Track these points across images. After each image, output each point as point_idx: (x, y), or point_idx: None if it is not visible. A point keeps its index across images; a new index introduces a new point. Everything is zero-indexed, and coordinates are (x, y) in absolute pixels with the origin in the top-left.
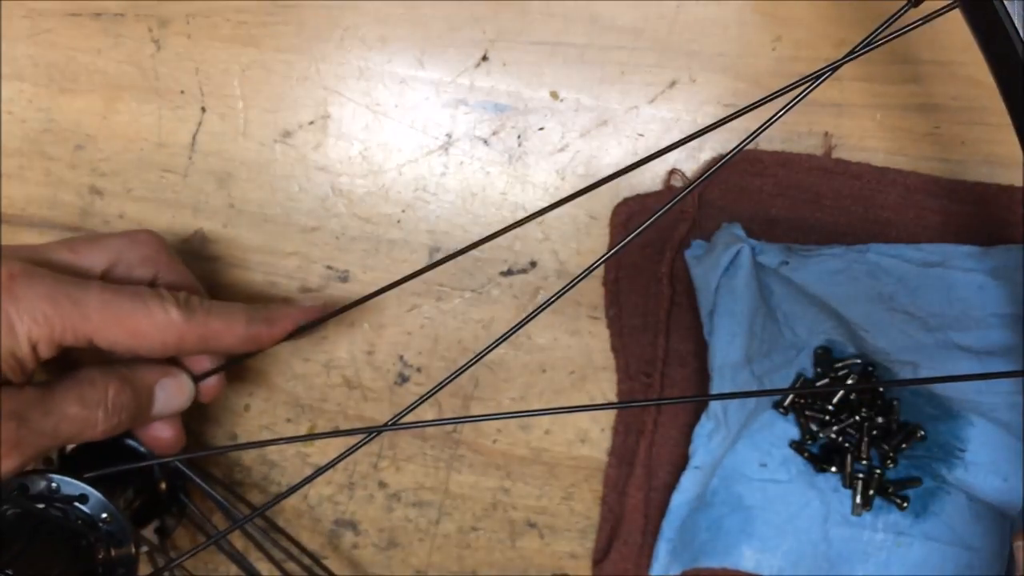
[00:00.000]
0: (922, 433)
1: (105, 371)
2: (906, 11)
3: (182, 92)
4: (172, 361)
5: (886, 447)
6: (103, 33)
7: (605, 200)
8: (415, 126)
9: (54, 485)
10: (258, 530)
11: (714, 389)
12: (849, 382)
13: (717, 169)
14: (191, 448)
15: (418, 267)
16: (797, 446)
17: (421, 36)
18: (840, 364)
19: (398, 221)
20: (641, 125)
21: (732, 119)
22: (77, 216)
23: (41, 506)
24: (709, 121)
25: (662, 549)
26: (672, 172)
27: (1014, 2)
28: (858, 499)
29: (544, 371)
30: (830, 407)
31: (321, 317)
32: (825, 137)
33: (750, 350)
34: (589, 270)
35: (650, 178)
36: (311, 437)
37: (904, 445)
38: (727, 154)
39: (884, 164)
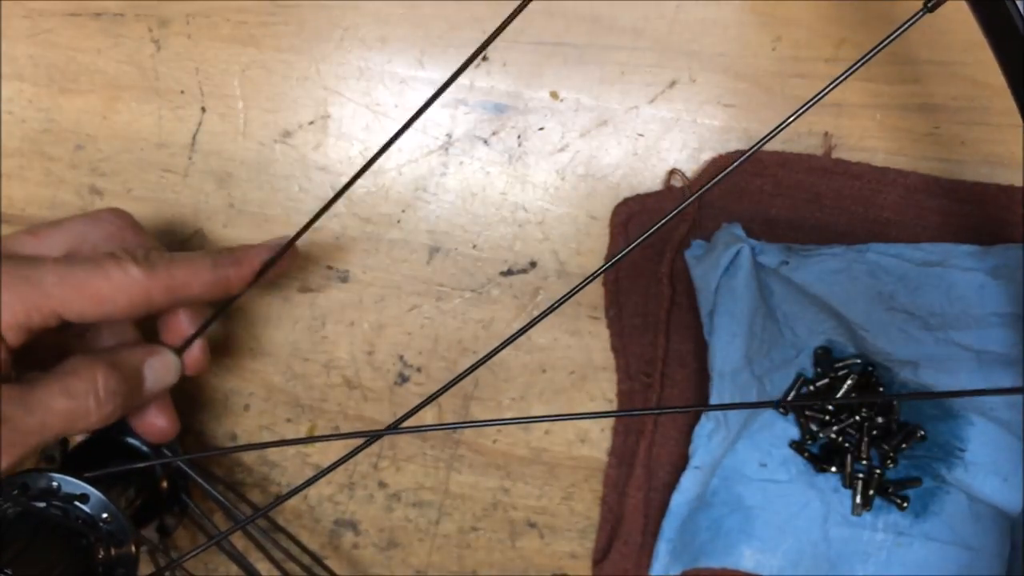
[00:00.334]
0: (922, 433)
1: (91, 359)
2: (922, 16)
3: (182, 92)
4: (154, 340)
5: (886, 447)
6: (103, 33)
7: (605, 200)
8: (415, 126)
9: (55, 484)
10: (259, 530)
11: (714, 389)
12: (849, 382)
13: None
14: (192, 447)
15: (418, 267)
16: (797, 446)
17: (421, 36)
18: (840, 364)
19: (398, 221)
20: (641, 125)
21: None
22: None
23: (42, 505)
24: (709, 121)
25: (662, 549)
26: (672, 172)
27: None
28: (858, 499)
29: (544, 371)
30: (830, 407)
31: (285, 246)
32: (825, 137)
33: (750, 350)
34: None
35: (650, 178)
36: (314, 440)
37: (904, 445)
38: (735, 160)
39: (884, 164)
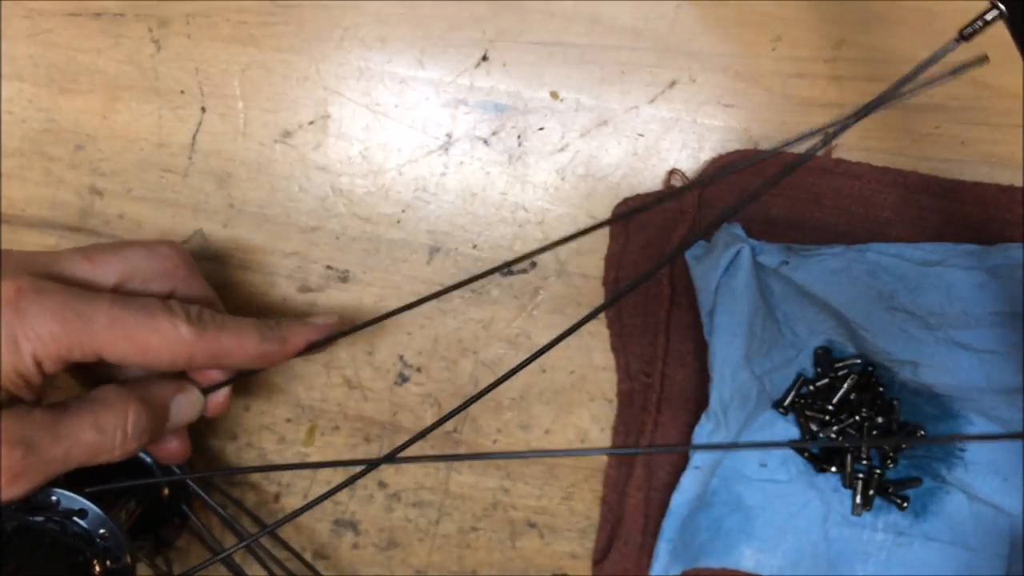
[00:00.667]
0: (922, 433)
1: (123, 392)
2: (956, 47)
3: (182, 92)
4: (181, 374)
5: (886, 447)
6: (103, 33)
7: (605, 200)
8: (415, 126)
9: (54, 498)
10: (259, 544)
11: (714, 389)
12: (849, 382)
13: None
14: (200, 453)
15: (418, 267)
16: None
17: (421, 36)
18: (840, 364)
19: (398, 221)
20: (641, 125)
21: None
22: (77, 216)
23: (39, 519)
24: (709, 121)
25: (662, 549)
26: (672, 172)
27: None
28: (858, 499)
29: (544, 371)
30: (830, 407)
31: (332, 336)
32: (825, 137)
33: (750, 350)
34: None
35: (650, 178)
36: (317, 466)
37: (904, 445)
38: (735, 160)
39: (884, 164)
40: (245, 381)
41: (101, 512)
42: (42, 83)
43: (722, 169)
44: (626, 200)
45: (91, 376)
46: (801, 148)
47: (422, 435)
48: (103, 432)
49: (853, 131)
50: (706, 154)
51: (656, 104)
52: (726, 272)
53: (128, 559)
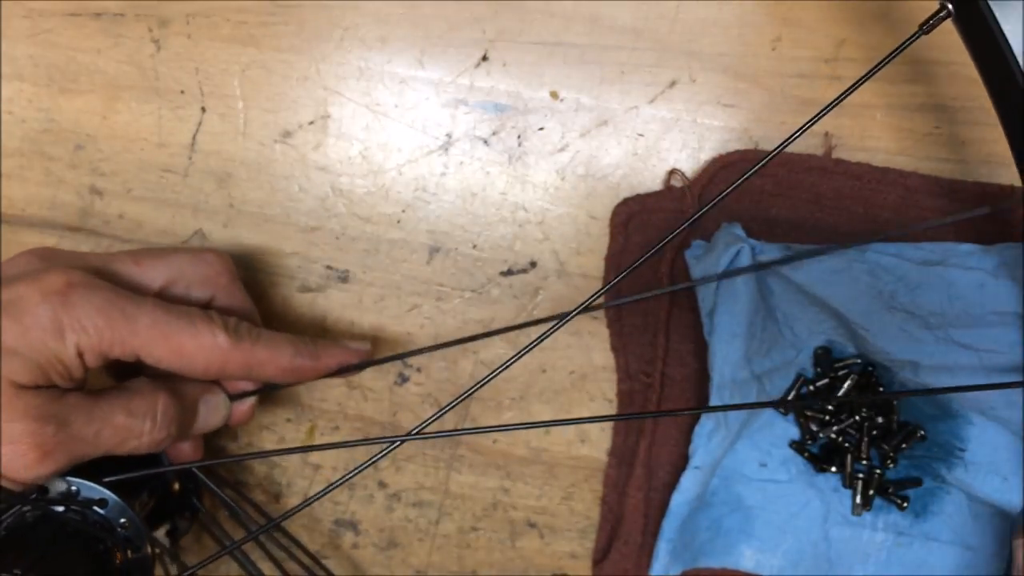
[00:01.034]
0: (922, 433)
1: (155, 383)
2: (920, 35)
3: (182, 92)
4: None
5: (886, 447)
6: (103, 33)
7: (605, 200)
8: (415, 126)
9: (73, 488)
10: (266, 536)
11: (714, 389)
12: (849, 382)
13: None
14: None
15: (418, 267)
16: (797, 446)
17: (421, 36)
18: (840, 364)
19: (398, 221)
20: (641, 125)
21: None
22: (77, 216)
23: (60, 509)
24: (709, 121)
25: (663, 549)
26: (672, 172)
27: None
28: (858, 499)
29: (544, 371)
30: (830, 407)
31: (364, 363)
32: (825, 137)
33: (750, 350)
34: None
35: (650, 178)
36: (334, 446)
37: (904, 445)
38: (735, 160)
39: (884, 164)
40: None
41: (121, 501)
42: (42, 83)
43: (717, 166)
44: (626, 200)
45: (127, 371)
46: (801, 148)
47: (441, 413)
48: (133, 416)
49: (853, 131)
50: (706, 154)
51: (656, 104)
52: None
53: (148, 549)
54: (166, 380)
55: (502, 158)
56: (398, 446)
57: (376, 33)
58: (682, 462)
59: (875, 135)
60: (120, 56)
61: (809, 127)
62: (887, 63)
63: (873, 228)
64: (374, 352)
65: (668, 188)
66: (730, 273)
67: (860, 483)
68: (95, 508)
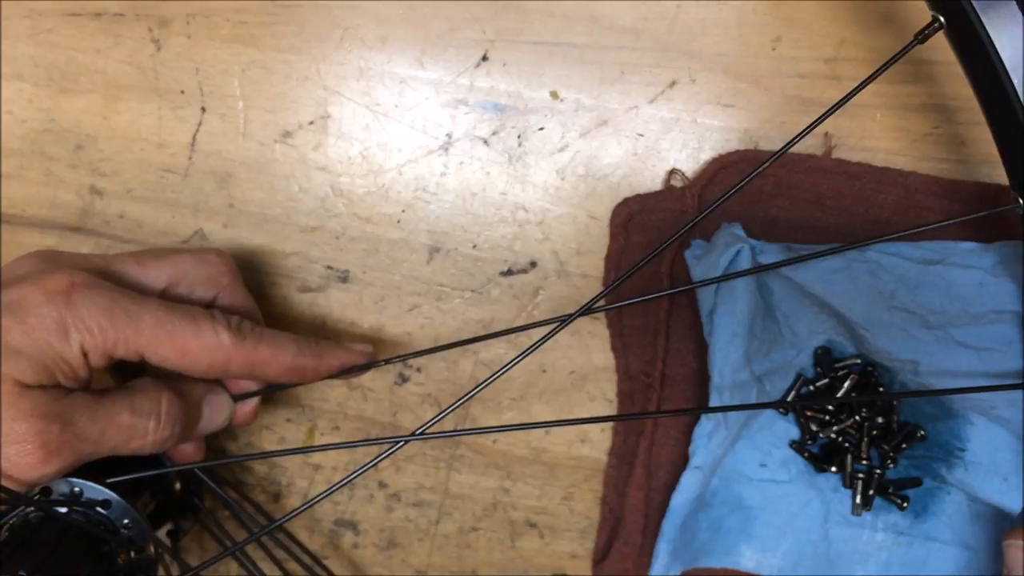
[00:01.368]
0: (922, 433)
1: (158, 383)
2: (914, 46)
3: (182, 92)
4: (215, 381)
5: (886, 447)
6: (103, 33)
7: (605, 200)
8: (415, 126)
9: (77, 489)
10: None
11: (714, 389)
12: (849, 382)
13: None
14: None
15: (418, 267)
16: (797, 446)
17: (421, 36)
18: (840, 364)
19: (398, 221)
20: (641, 125)
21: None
22: (77, 216)
23: (63, 510)
24: (709, 121)
25: (662, 549)
26: (672, 172)
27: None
28: (858, 499)
29: (544, 371)
30: (830, 407)
31: (367, 364)
32: (825, 137)
33: (750, 350)
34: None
35: (650, 178)
36: (336, 446)
37: (904, 445)
38: (735, 160)
39: (884, 164)
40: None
41: (125, 502)
42: (42, 83)
43: (717, 166)
44: (626, 200)
45: (130, 372)
46: (801, 148)
47: (445, 413)
48: (138, 415)
49: (853, 131)
50: (706, 154)
51: (656, 104)
52: (726, 272)
53: (152, 549)
54: (170, 380)
55: (502, 158)
56: (401, 447)
57: (376, 33)
58: (682, 462)
59: (875, 135)
60: (120, 56)
61: (811, 130)
62: (885, 69)
63: (873, 228)
64: (374, 353)
65: (668, 188)
66: (730, 276)
67: (860, 483)
68: (98, 509)
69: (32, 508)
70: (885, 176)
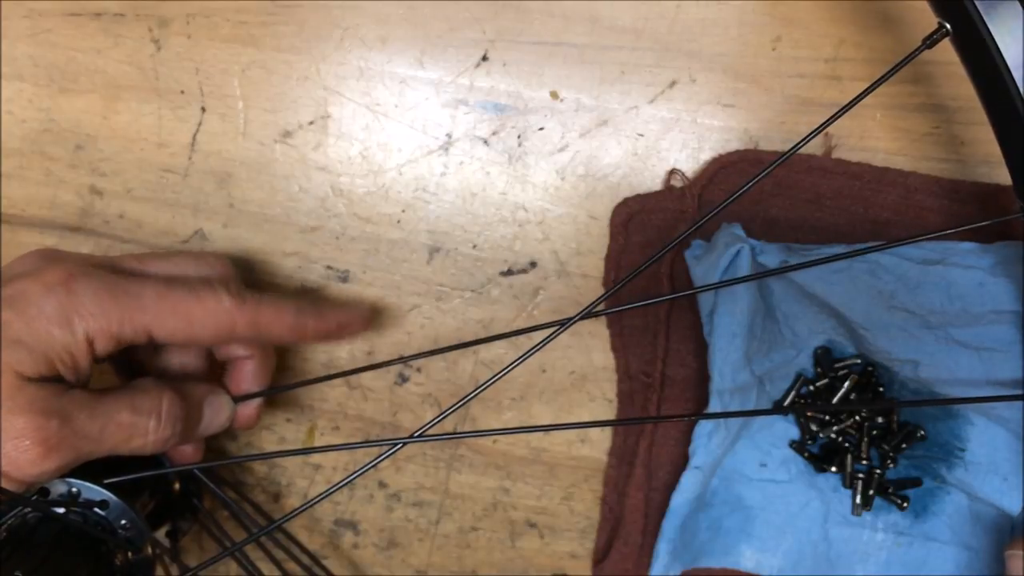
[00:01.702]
0: (922, 433)
1: (159, 382)
2: (922, 51)
3: (182, 92)
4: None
5: (886, 447)
6: (103, 33)
7: (605, 200)
8: (415, 126)
9: (75, 490)
10: (267, 536)
11: (714, 389)
12: (848, 382)
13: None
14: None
15: (418, 267)
16: (797, 446)
17: (421, 36)
18: (840, 364)
19: (398, 221)
20: (641, 125)
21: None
22: (77, 216)
23: (61, 510)
24: (709, 121)
25: (663, 549)
26: (672, 172)
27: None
28: (858, 499)
29: (544, 371)
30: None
31: (368, 366)
32: (825, 137)
33: (750, 350)
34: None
35: (650, 178)
36: (335, 448)
37: (904, 445)
38: (735, 160)
39: (884, 164)
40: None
41: (122, 503)
42: (42, 83)
43: (717, 166)
44: (626, 200)
45: (133, 372)
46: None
47: (444, 415)
48: (138, 413)
49: (853, 131)
50: (706, 154)
51: (656, 104)
52: (726, 272)
53: (149, 550)
54: (172, 381)
55: (502, 158)
56: (400, 448)
57: (376, 33)
58: (682, 462)
59: (875, 135)
60: (120, 56)
61: (820, 131)
62: (894, 73)
63: (873, 228)
64: (374, 354)
65: (668, 188)
66: (732, 281)
67: (860, 483)
68: (96, 510)
69: (30, 508)
70: (885, 176)
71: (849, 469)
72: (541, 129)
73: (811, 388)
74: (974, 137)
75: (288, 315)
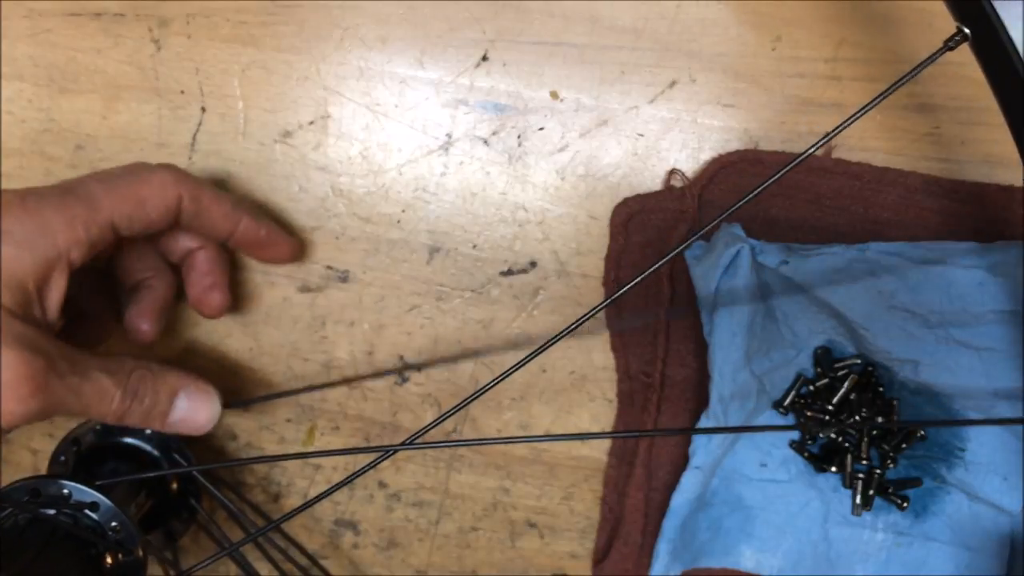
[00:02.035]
0: (922, 433)
1: (133, 357)
2: (943, 53)
3: (182, 92)
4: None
5: (886, 447)
6: (103, 33)
7: (605, 200)
8: (415, 126)
9: (66, 491)
10: (264, 536)
11: (714, 389)
12: (848, 382)
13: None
14: (195, 449)
15: (418, 267)
16: (797, 446)
17: (421, 36)
18: (840, 363)
19: (398, 221)
20: (641, 125)
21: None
22: None
23: (51, 512)
24: (709, 121)
25: (663, 549)
26: (672, 172)
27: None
28: (858, 499)
29: (544, 371)
30: (830, 407)
31: (373, 373)
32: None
33: (750, 350)
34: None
35: (650, 178)
36: (332, 453)
37: (904, 445)
38: (736, 160)
39: (884, 164)
40: (247, 382)
41: (113, 505)
42: (42, 83)
43: (717, 166)
44: (626, 200)
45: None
46: (800, 148)
47: (439, 421)
48: (111, 374)
49: (853, 131)
50: (706, 154)
51: (656, 104)
52: (726, 272)
53: (140, 552)
54: (150, 364)
55: (502, 158)
56: (396, 452)
57: (376, 33)
58: (682, 462)
59: (875, 135)
60: (120, 56)
61: (833, 136)
62: (912, 76)
63: (873, 228)
64: (374, 354)
65: (668, 188)
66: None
67: (860, 483)
68: (87, 512)
69: (20, 510)
70: (885, 176)
71: (849, 469)
72: (541, 129)
73: (811, 388)
74: (974, 137)
75: (226, 201)
